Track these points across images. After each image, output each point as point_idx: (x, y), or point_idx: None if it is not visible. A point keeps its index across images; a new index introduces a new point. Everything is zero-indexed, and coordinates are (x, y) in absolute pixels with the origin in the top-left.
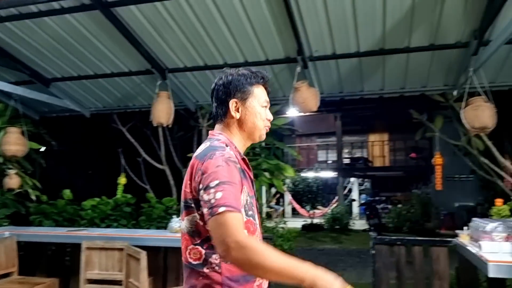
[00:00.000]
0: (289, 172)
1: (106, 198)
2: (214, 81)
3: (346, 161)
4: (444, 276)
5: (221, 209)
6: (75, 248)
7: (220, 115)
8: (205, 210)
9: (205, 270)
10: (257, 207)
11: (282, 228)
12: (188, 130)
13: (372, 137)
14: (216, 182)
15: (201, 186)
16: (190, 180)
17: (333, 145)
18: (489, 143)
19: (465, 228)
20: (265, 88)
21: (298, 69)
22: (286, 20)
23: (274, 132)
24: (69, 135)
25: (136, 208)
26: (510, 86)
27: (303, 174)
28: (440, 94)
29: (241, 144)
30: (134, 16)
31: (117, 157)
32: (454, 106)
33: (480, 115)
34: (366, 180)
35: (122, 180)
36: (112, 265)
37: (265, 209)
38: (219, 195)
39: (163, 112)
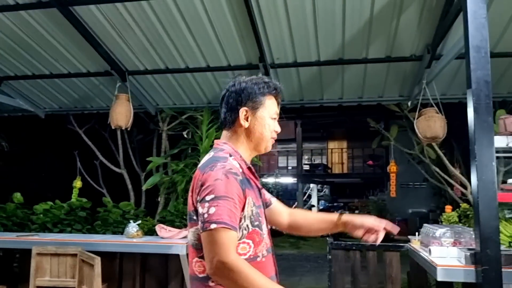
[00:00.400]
0: None
1: (59, 202)
2: (225, 87)
3: (306, 167)
4: (396, 280)
5: (212, 226)
6: (25, 254)
7: (229, 122)
8: (199, 223)
9: (210, 283)
10: (265, 217)
11: None
12: (148, 133)
13: (332, 144)
14: (212, 196)
15: (198, 198)
16: (192, 191)
17: (293, 151)
18: (440, 152)
19: (417, 233)
20: (276, 100)
21: (259, 75)
22: (249, 26)
23: None
24: (21, 136)
25: (92, 212)
26: (459, 99)
27: (263, 180)
28: (396, 104)
29: (247, 153)
30: (93, 15)
31: (73, 160)
32: (408, 116)
33: (432, 125)
34: (325, 186)
35: (78, 183)
36: (64, 271)
37: None
38: (212, 210)
39: (122, 114)
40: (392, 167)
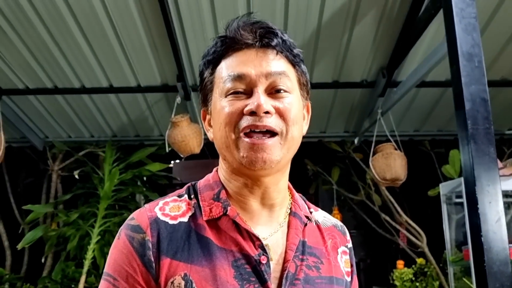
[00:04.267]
0: None
1: None
2: None
3: None
4: None
5: None
6: None
7: None
8: None
9: None
10: None
11: None
12: (39, 175)
13: None
14: (104, 271)
15: None
16: None
17: None
18: (390, 197)
19: None
20: (242, 44)
21: (178, 99)
22: (165, 37)
23: (149, 181)
24: None
25: None
26: (410, 136)
27: None
28: (337, 142)
29: (233, 180)
30: None
31: None
32: (354, 156)
33: (392, 164)
34: None
35: None
36: None
37: None
38: None
39: None
40: (335, 216)
